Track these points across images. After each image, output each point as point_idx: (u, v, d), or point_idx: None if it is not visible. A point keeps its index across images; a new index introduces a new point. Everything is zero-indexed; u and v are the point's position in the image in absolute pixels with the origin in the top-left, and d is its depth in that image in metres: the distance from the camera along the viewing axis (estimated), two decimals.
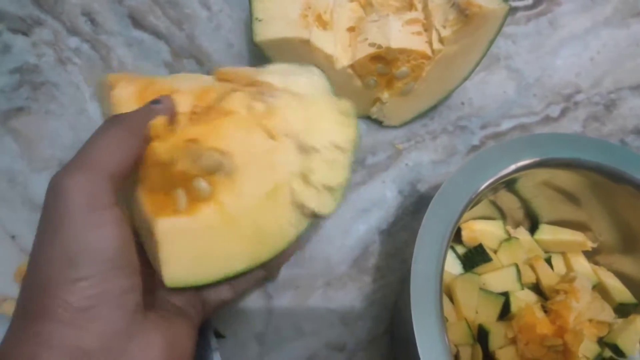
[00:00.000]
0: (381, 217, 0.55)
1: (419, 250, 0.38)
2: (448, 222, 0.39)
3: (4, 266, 0.51)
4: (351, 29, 0.53)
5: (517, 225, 0.52)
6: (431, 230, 0.38)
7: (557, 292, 0.46)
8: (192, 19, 0.61)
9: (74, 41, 0.60)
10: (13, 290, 0.50)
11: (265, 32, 0.49)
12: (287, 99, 0.38)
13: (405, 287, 0.37)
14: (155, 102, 0.35)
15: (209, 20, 0.62)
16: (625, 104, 0.60)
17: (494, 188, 0.42)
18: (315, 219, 0.37)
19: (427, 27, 0.51)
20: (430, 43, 0.51)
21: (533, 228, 0.51)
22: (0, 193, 0.54)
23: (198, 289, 0.36)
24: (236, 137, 0.36)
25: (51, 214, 0.29)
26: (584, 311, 0.45)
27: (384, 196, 0.55)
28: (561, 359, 0.43)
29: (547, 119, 0.59)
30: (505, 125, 0.59)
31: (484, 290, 0.47)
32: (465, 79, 0.54)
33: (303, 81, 0.40)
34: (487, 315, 0.46)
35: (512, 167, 0.41)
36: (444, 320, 0.35)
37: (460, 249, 0.50)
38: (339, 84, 0.53)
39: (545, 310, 0.46)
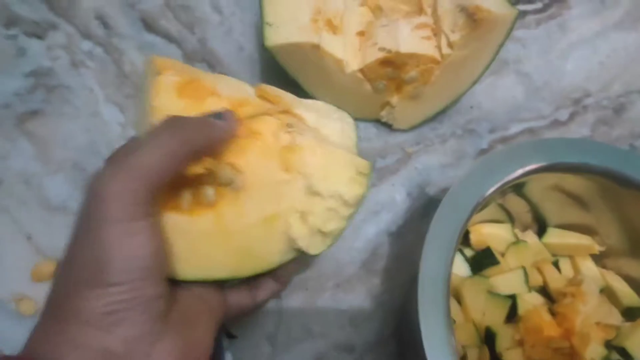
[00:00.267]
0: (390, 219, 0.55)
1: (427, 252, 0.38)
2: (456, 225, 0.39)
3: (21, 266, 0.52)
4: (361, 34, 0.53)
5: (525, 228, 0.52)
6: (439, 233, 0.39)
7: (564, 295, 0.47)
8: (204, 23, 0.62)
9: (87, 45, 0.61)
10: (29, 289, 0.52)
11: (276, 36, 0.50)
12: (313, 141, 0.39)
13: (414, 289, 0.37)
14: (218, 115, 0.35)
15: (220, 24, 0.62)
16: (635, 108, 0.61)
17: (502, 191, 0.43)
18: (301, 254, 0.39)
19: (436, 32, 0.51)
20: (439, 47, 0.51)
21: (541, 231, 0.51)
22: (16, 194, 0.55)
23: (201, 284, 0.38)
24: (254, 159, 0.37)
25: (90, 218, 0.30)
26: (591, 314, 0.45)
27: (393, 199, 0.56)
28: None
29: (556, 123, 0.60)
30: (514, 129, 0.59)
31: (491, 293, 0.47)
32: (474, 83, 0.55)
33: (334, 127, 0.42)
34: (494, 317, 0.46)
35: (520, 171, 0.41)
36: (451, 322, 0.36)
37: (469, 252, 0.50)
38: (349, 88, 0.53)
39: (553, 313, 0.46)
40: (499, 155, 0.42)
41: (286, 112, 0.42)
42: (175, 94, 0.38)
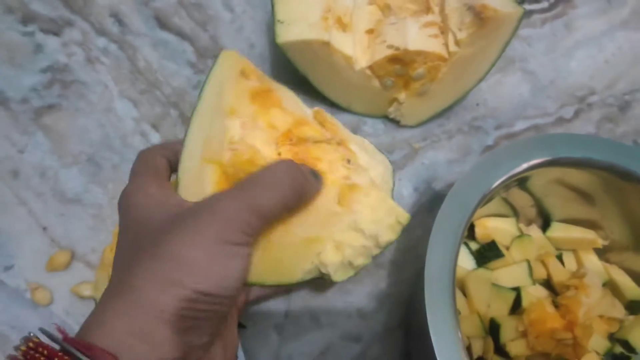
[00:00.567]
0: None
1: (433, 245, 0.39)
2: (461, 219, 0.40)
3: (36, 256, 0.54)
4: (370, 32, 0.54)
5: (529, 222, 0.53)
6: (445, 227, 0.40)
7: (568, 287, 0.47)
8: (216, 21, 0.63)
9: (102, 41, 0.62)
10: (45, 279, 0.53)
11: (287, 33, 0.51)
12: (368, 183, 0.42)
13: (420, 282, 0.38)
14: (316, 175, 0.38)
15: (231, 21, 0.64)
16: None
17: (506, 186, 0.43)
18: (320, 279, 0.41)
19: (444, 30, 0.52)
20: (446, 45, 0.52)
21: (545, 226, 0.52)
22: (32, 187, 0.56)
23: None
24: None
25: (197, 225, 0.31)
26: (594, 307, 0.46)
27: (400, 193, 0.57)
28: (571, 352, 0.44)
29: (561, 120, 0.60)
30: (519, 126, 0.60)
31: (496, 285, 0.48)
32: (481, 80, 0.55)
33: (378, 171, 0.45)
34: (498, 309, 0.47)
35: (525, 165, 0.42)
36: (457, 313, 0.37)
37: (474, 245, 0.51)
38: (358, 84, 0.54)
39: (556, 305, 0.47)
40: (504, 150, 0.43)
41: (342, 144, 0.43)
42: (248, 98, 0.40)
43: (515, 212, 0.51)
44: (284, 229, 0.37)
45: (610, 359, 0.47)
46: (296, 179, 0.35)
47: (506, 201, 0.50)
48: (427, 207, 0.56)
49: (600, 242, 0.49)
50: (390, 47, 0.51)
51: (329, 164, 0.41)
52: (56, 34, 0.62)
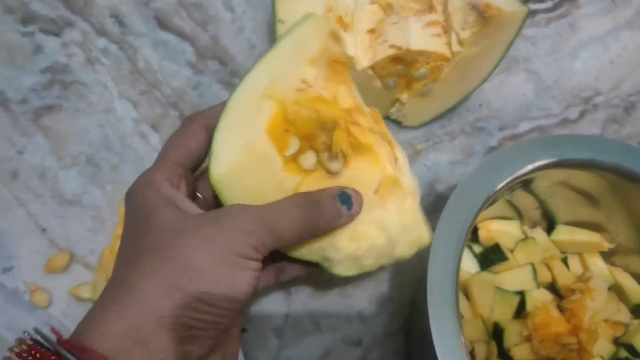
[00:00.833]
0: None
1: (435, 248, 0.38)
2: (464, 221, 0.39)
3: (35, 258, 0.53)
4: (371, 31, 0.53)
5: (533, 225, 0.52)
6: (448, 229, 0.39)
7: (573, 291, 0.47)
8: (216, 21, 0.63)
9: (102, 42, 0.62)
10: (44, 280, 0.53)
11: None
12: (410, 189, 0.41)
13: (422, 285, 0.37)
14: (348, 199, 0.37)
15: (232, 22, 0.63)
16: None
17: (510, 188, 0.43)
18: (319, 265, 0.40)
19: (447, 29, 0.52)
20: (449, 45, 0.51)
21: (550, 228, 0.52)
22: (31, 188, 0.56)
23: None
24: (362, 167, 0.39)
25: (211, 232, 0.31)
26: (600, 311, 0.45)
27: None
28: (576, 357, 0.44)
29: (566, 121, 0.60)
30: (523, 127, 0.59)
31: (499, 289, 0.47)
32: (484, 80, 0.55)
33: (411, 179, 0.43)
34: (502, 313, 0.47)
35: (529, 167, 0.41)
36: (459, 317, 0.36)
37: (477, 248, 0.50)
38: (360, 84, 0.54)
39: (561, 309, 0.46)
40: (508, 151, 0.42)
41: (391, 146, 0.43)
42: (327, 61, 0.40)
43: (519, 215, 0.51)
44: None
45: None
46: (315, 218, 0.35)
47: (510, 203, 0.49)
48: (430, 209, 0.56)
49: (606, 245, 0.49)
50: (392, 47, 0.51)
51: (380, 157, 0.40)
52: (56, 34, 0.62)
